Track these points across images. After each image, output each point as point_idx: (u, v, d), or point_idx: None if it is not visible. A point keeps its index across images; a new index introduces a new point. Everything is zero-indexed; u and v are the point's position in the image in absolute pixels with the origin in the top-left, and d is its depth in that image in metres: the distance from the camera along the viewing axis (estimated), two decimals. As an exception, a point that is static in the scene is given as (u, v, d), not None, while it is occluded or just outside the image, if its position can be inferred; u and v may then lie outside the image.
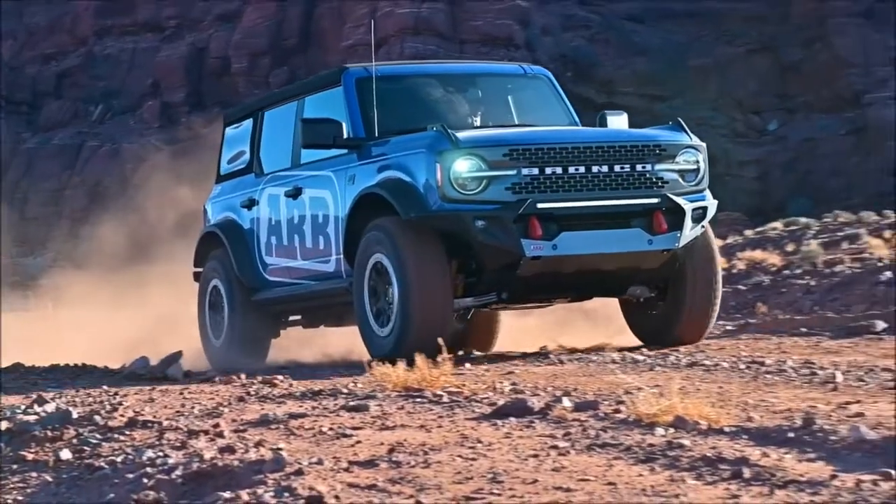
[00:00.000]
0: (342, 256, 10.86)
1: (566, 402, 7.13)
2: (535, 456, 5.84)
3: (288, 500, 5.16)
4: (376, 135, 10.89)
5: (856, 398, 7.08)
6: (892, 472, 5.09)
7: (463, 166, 9.92)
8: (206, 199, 13.39)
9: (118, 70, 60.63)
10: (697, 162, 10.35)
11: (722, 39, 54.24)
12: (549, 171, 9.97)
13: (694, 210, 10.17)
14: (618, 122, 11.45)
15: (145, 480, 5.70)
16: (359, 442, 6.30)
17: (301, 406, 7.68)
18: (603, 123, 11.41)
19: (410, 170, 10.23)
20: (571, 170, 10.02)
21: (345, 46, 50.87)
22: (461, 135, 10.11)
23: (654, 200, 10.10)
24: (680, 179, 10.26)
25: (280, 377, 9.14)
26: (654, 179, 10.16)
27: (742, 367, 8.81)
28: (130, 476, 5.83)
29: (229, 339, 12.27)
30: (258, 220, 12.14)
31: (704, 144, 10.48)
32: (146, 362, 10.54)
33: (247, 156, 12.68)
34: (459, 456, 5.87)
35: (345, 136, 10.87)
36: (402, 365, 8.40)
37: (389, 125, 10.97)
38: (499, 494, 5.20)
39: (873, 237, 21.54)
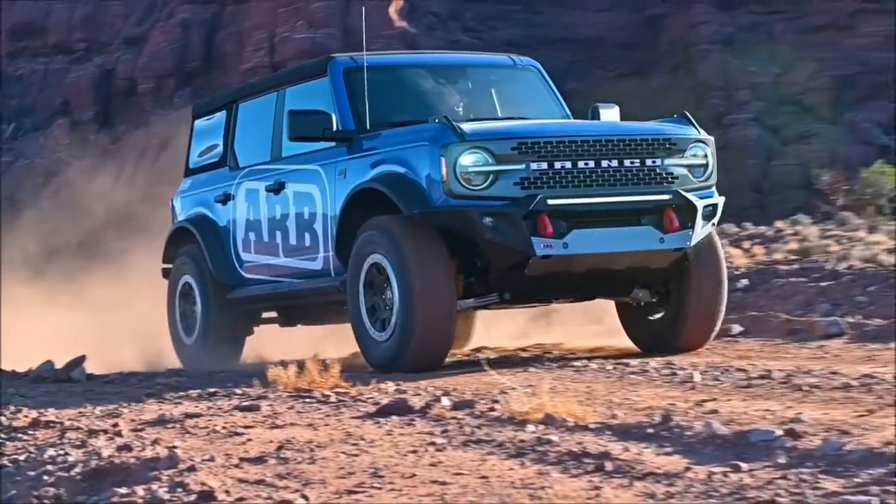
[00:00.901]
0: (332, 255, 9.86)
1: (445, 402, 7.13)
2: (414, 452, 5.83)
3: (180, 495, 5.11)
4: (368, 127, 9.81)
5: (711, 396, 7.15)
6: (741, 464, 5.14)
7: (469, 160, 8.88)
8: (174, 193, 12.20)
9: (30, 90, 59.82)
10: (706, 156, 9.38)
11: (596, 64, 54.56)
12: (558, 165, 8.94)
13: (705, 207, 9.22)
14: (610, 114, 10.49)
15: (46, 478, 5.62)
16: (250, 440, 6.26)
17: (197, 406, 7.61)
18: (596, 116, 10.47)
19: (411, 164, 9.17)
20: (581, 164, 8.99)
21: (244, 69, 50.58)
22: (466, 127, 9.06)
23: (666, 197, 9.12)
24: (689, 175, 9.28)
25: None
26: (664, 175, 9.19)
27: (609, 367, 8.85)
28: (32, 474, 5.74)
29: (203, 337, 11.27)
30: (234, 216, 11.08)
31: (712, 138, 9.53)
32: (51, 365, 10.19)
33: (220, 149, 11.57)
34: (343, 452, 5.85)
35: (334, 128, 9.79)
36: (293, 367, 8.35)
37: (379, 117, 9.86)
38: (379, 488, 5.19)
39: (733, 247, 21.76)
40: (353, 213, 9.50)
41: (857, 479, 4.76)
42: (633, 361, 9.08)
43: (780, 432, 5.55)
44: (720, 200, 9.39)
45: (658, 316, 9.78)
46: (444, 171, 8.88)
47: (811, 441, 5.41)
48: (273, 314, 11.28)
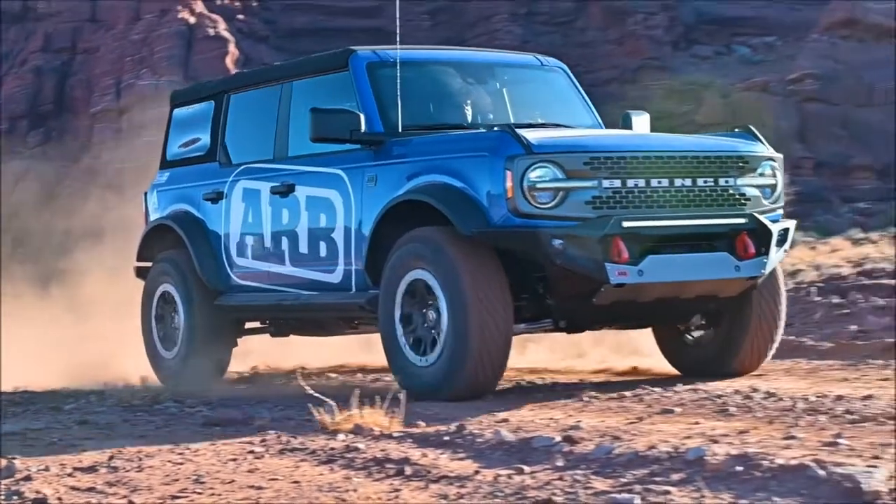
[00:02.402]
0: (355, 268, 8.17)
1: (265, 414, 7.10)
2: (234, 460, 5.79)
3: (16, 502, 5.01)
4: (400, 130, 8.11)
5: (506, 407, 7.17)
6: (524, 467, 5.20)
7: (537, 175, 7.27)
8: (148, 186, 10.25)
9: None
10: (775, 175, 7.90)
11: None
12: (631, 183, 7.39)
13: (778, 232, 7.74)
14: (642, 122, 8.94)
15: None
16: (84, 451, 6.16)
17: (38, 420, 7.47)
18: (627, 125, 8.90)
19: (465, 176, 7.50)
20: (654, 183, 7.46)
21: (93, 112, 49.83)
22: (531, 137, 7.42)
23: (741, 220, 7.62)
24: (760, 196, 7.80)
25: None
26: (737, 196, 7.69)
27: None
28: None
29: (186, 349, 9.37)
30: (227, 216, 9.21)
31: (781, 156, 8.03)
32: None
33: (205, 142, 9.64)
34: (170, 461, 5.78)
35: (362, 129, 8.06)
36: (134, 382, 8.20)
37: (406, 119, 8.16)
38: (200, 493, 5.14)
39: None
40: (387, 225, 7.89)
41: (623, 479, 4.85)
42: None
43: (559, 438, 5.62)
44: (791, 224, 7.95)
45: (698, 337, 8.35)
46: (508, 185, 7.29)
47: (586, 446, 5.49)
48: (255, 324, 9.56)
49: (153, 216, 10.00)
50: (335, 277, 8.32)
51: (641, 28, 51.72)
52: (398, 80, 8.06)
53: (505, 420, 6.57)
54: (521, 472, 5.13)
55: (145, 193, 10.18)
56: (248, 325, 9.54)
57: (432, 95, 8.64)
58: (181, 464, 5.70)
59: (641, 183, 7.41)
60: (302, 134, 8.47)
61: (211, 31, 50.79)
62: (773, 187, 7.86)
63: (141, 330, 9.81)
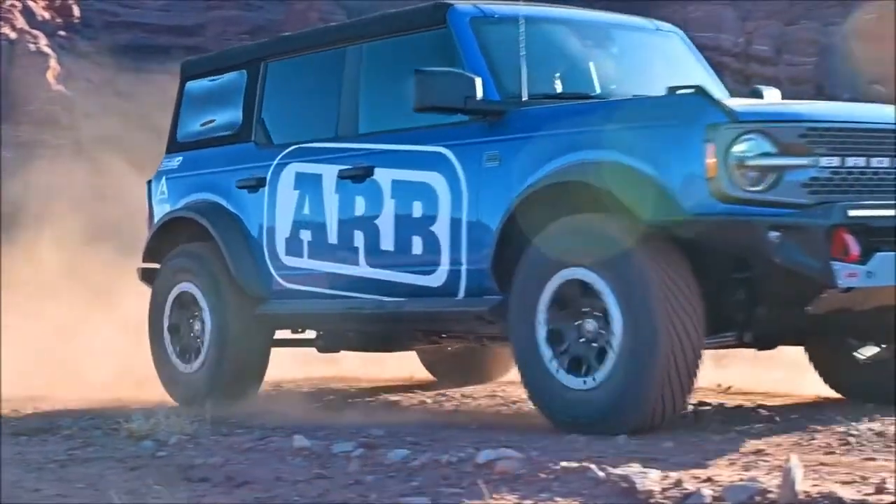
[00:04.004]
0: (472, 268, 6.41)
1: (76, 423, 7.04)
2: (41, 469, 5.71)
3: None
4: (524, 98, 6.43)
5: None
6: (324, 472, 5.24)
7: (745, 149, 5.64)
8: (154, 172, 8.47)
9: None
10: None
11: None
12: (850, 162, 5.82)
13: None
14: (773, 96, 7.29)
15: None
16: None
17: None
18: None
19: (641, 151, 5.79)
20: (874, 163, 5.88)
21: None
22: (733, 104, 5.82)
23: None
24: None
25: None
26: None
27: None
28: None
29: (214, 364, 7.66)
30: (271, 207, 7.49)
31: None
32: None
33: (234, 119, 7.93)
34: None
35: (478, 96, 6.38)
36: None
37: (517, 85, 6.47)
38: None
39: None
40: (522, 215, 6.17)
41: (413, 483, 4.91)
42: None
43: (357, 445, 5.68)
44: None
45: (872, 355, 6.78)
46: (709, 162, 5.61)
47: (384, 453, 5.55)
48: (286, 335, 7.96)
49: (162, 208, 8.26)
50: (435, 280, 6.61)
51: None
52: (523, 37, 6.38)
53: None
54: (322, 477, 5.17)
55: (149, 182, 8.46)
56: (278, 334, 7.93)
57: (550, 59, 6.96)
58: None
59: (861, 162, 5.85)
60: (377, 106, 7.09)
61: (32, 47, 49.85)
62: None
63: (149, 339, 8.13)
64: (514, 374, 7.55)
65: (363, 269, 6.95)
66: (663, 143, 5.77)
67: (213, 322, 7.67)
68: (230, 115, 7.98)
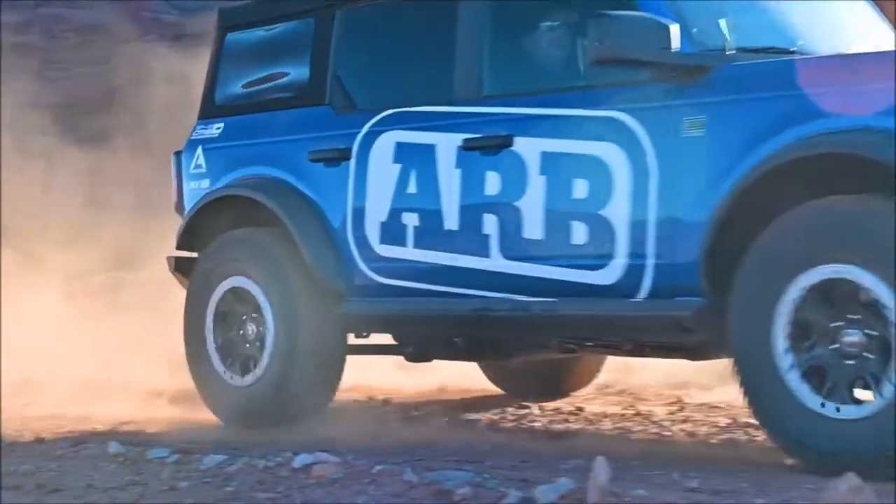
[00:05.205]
0: (664, 262, 5.04)
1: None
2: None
3: None
4: (728, 50, 5.09)
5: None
6: (137, 478, 5.13)
7: None
8: (185, 141, 6.87)
9: None
10: None
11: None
12: None
13: None
14: None
15: None
16: None
17: None
18: None
19: None
20: None
21: None
22: None
23: None
24: None
25: None
26: None
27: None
28: None
29: (279, 376, 6.20)
30: (359, 185, 6.03)
31: None
32: None
33: (299, 77, 6.43)
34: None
35: (673, 48, 4.99)
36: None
37: (715, 38, 5.15)
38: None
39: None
40: (746, 199, 4.85)
41: (228, 489, 4.83)
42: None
43: (174, 451, 5.57)
44: None
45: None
46: None
47: (200, 458, 5.44)
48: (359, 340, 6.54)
49: (199, 185, 6.77)
50: (605, 277, 5.24)
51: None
52: None
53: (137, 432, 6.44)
54: (136, 483, 5.05)
55: (177, 153, 6.88)
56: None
57: (735, 9, 5.50)
58: None
59: None
60: (506, 64, 5.69)
61: None
62: None
63: (185, 345, 6.68)
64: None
65: (496, 263, 5.57)
66: None
67: (276, 324, 6.23)
68: (292, 73, 6.52)
